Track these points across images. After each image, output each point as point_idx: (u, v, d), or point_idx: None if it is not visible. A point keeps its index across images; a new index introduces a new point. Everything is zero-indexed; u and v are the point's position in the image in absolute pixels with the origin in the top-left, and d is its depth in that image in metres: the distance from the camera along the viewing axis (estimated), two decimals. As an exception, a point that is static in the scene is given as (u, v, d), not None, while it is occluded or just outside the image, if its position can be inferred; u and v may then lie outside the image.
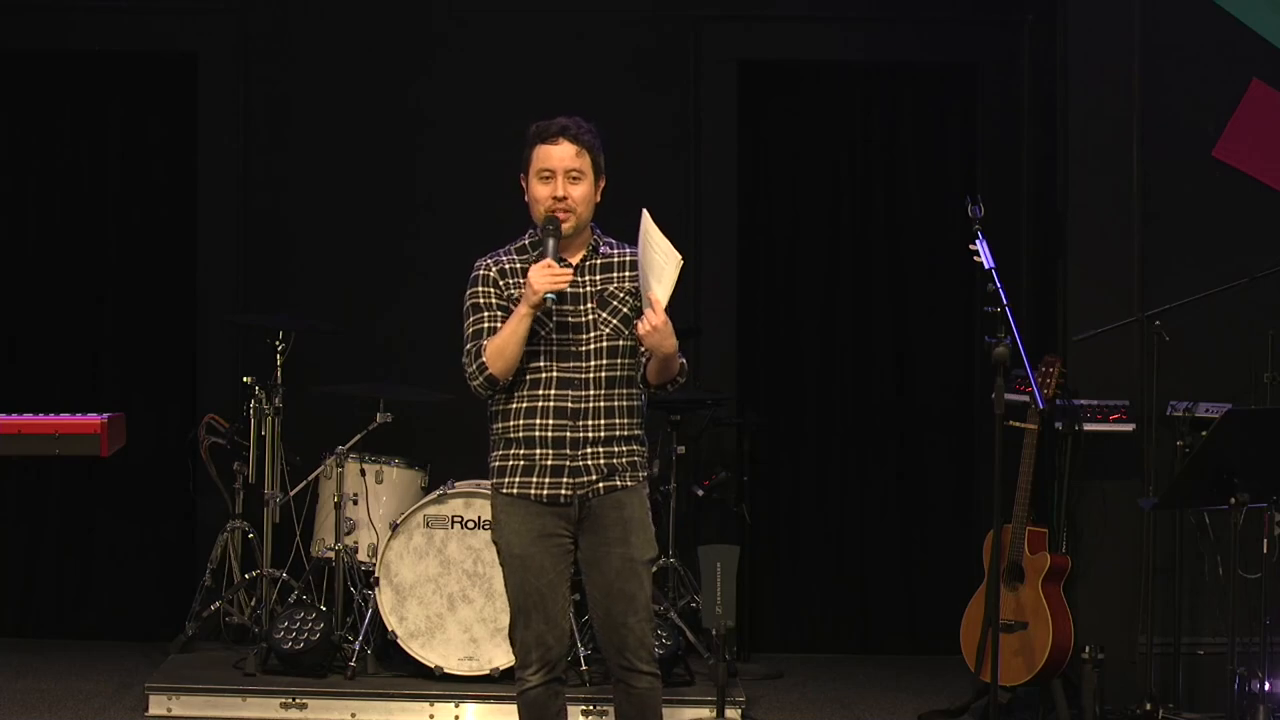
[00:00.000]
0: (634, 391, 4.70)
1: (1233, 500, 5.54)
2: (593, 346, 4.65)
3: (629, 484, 4.69)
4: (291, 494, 6.91)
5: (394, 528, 6.52)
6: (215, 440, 6.99)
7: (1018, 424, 6.12)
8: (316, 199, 7.59)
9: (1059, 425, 6.49)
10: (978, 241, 5.05)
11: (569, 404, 4.64)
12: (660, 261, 4.48)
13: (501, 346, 4.59)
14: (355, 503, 6.75)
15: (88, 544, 7.64)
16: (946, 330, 7.75)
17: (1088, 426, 6.46)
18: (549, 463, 4.65)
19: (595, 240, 4.75)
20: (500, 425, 4.73)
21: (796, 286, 7.80)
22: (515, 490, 4.68)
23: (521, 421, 4.67)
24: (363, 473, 6.77)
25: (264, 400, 6.86)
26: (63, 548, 7.65)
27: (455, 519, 6.51)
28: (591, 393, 4.65)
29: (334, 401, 6.93)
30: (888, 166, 7.85)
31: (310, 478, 6.90)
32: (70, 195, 7.71)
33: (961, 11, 7.62)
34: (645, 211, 4.53)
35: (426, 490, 6.77)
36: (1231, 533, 5.69)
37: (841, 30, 7.72)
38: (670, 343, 4.54)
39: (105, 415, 4.59)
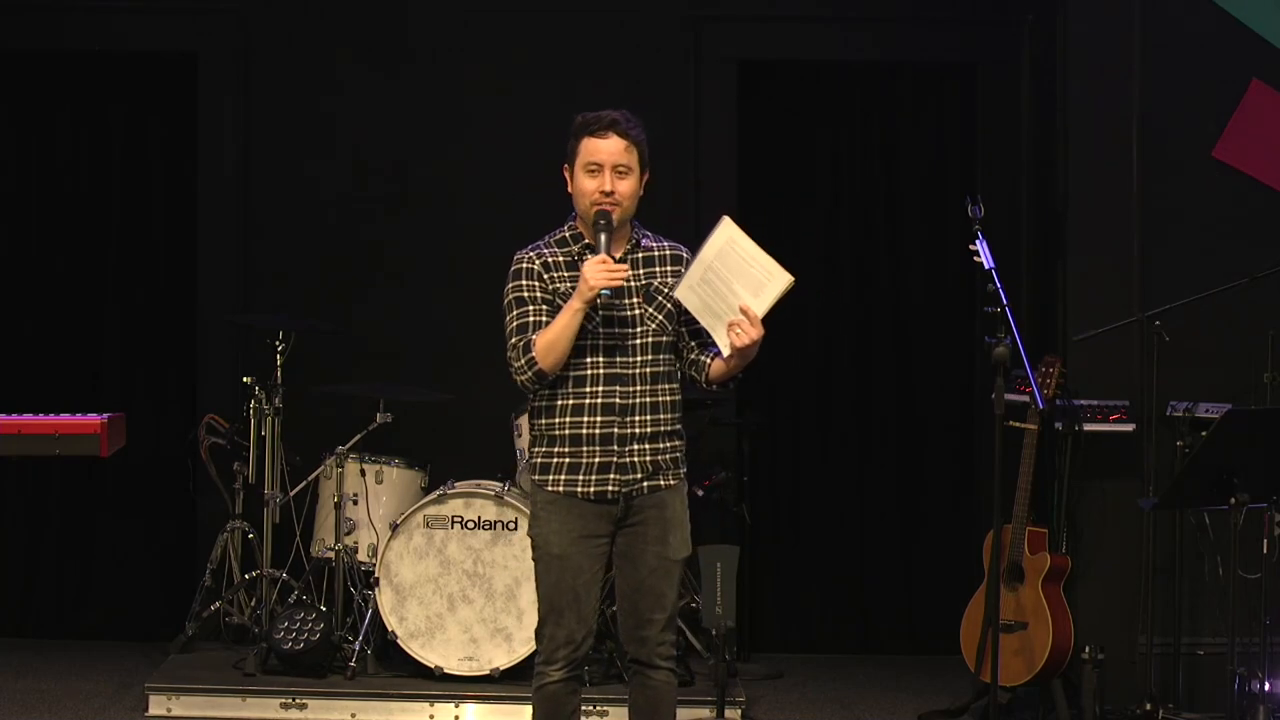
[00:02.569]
0: (675, 386, 4.71)
1: (1233, 500, 5.54)
2: (639, 342, 4.63)
3: (671, 482, 4.70)
4: (291, 494, 6.90)
5: (394, 528, 6.51)
6: (215, 440, 6.99)
7: (1018, 424, 6.12)
8: (316, 199, 7.59)
9: (1059, 425, 6.49)
10: (978, 241, 5.05)
11: (616, 400, 4.61)
12: (760, 278, 4.52)
13: (553, 341, 4.56)
14: (355, 503, 6.75)
15: (88, 544, 7.63)
16: (946, 330, 7.74)
17: (1088, 426, 6.46)
18: (595, 460, 4.62)
19: (637, 234, 4.73)
20: (544, 421, 4.68)
21: (796, 286, 7.77)
22: (561, 489, 4.65)
23: (568, 419, 4.63)
24: (363, 473, 6.77)
25: (264, 400, 6.86)
26: (63, 548, 7.65)
27: (455, 519, 6.51)
28: (638, 388, 4.63)
29: (334, 401, 6.93)
30: (888, 166, 7.85)
31: (310, 478, 6.90)
32: (71, 195, 7.71)
33: (961, 11, 7.62)
34: (727, 219, 4.55)
35: (426, 490, 6.76)
36: (1231, 533, 5.68)
37: (842, 30, 7.71)
38: (755, 351, 4.59)
39: (105, 415, 4.59)
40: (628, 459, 4.63)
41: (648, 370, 4.64)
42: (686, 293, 4.59)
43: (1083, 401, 6.48)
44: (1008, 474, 5.63)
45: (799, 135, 7.85)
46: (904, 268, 7.80)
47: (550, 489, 4.67)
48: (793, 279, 4.54)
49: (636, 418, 4.63)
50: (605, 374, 4.62)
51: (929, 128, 7.83)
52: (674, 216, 7.40)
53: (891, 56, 7.73)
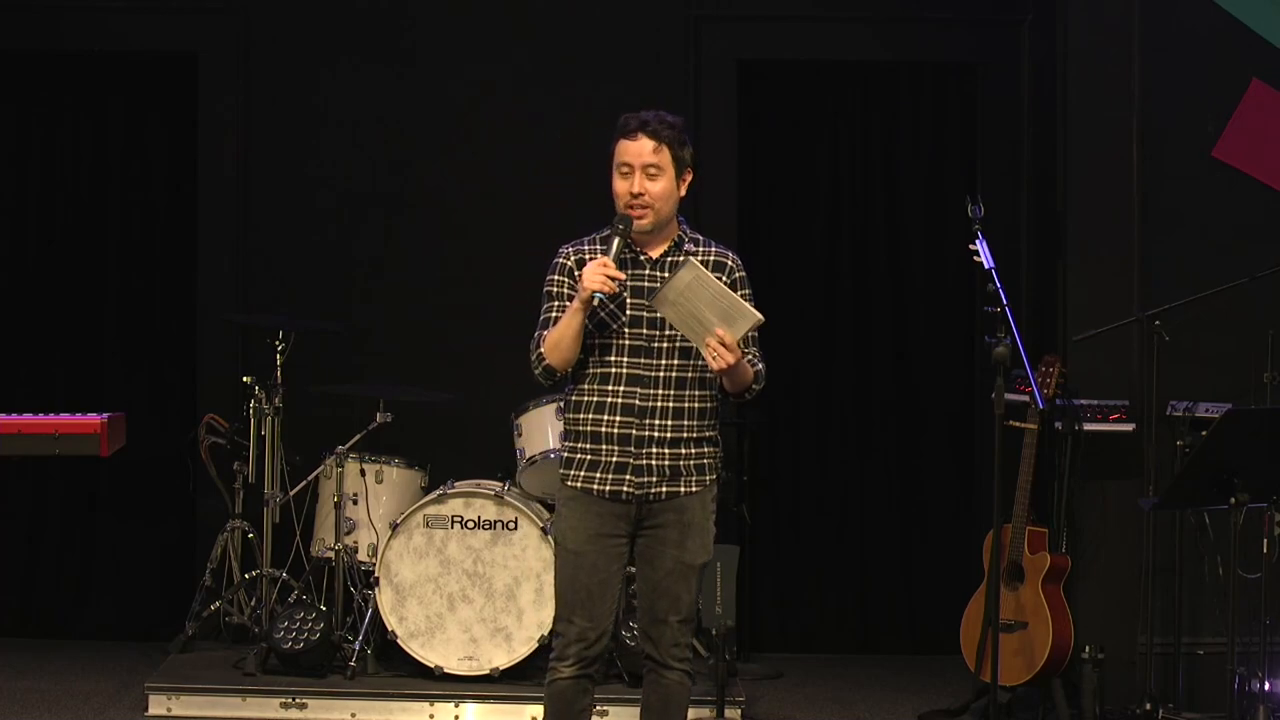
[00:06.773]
0: (706, 394, 4.69)
1: (1233, 500, 5.53)
2: (666, 345, 4.63)
3: (693, 489, 4.69)
4: (291, 494, 6.91)
5: (394, 528, 6.52)
6: (215, 440, 6.99)
7: (1018, 424, 6.12)
8: (316, 199, 7.59)
9: (1059, 425, 6.49)
10: (978, 241, 5.06)
11: (636, 401, 4.63)
12: (732, 314, 4.47)
13: (557, 339, 4.61)
14: (355, 502, 6.75)
15: (88, 544, 7.63)
16: (946, 330, 7.74)
17: (1088, 426, 6.46)
18: (614, 459, 4.64)
19: (681, 235, 4.73)
20: (571, 416, 4.72)
21: (797, 286, 7.80)
22: (579, 485, 4.68)
23: (590, 415, 4.66)
24: (363, 473, 6.77)
25: (264, 400, 6.86)
26: (63, 548, 7.64)
27: (455, 519, 6.51)
28: (660, 391, 4.64)
29: (334, 401, 6.93)
30: (888, 166, 7.85)
31: (310, 478, 6.90)
32: (71, 195, 7.71)
33: (961, 11, 7.61)
34: (694, 260, 4.52)
35: (426, 490, 6.77)
36: (1231, 533, 5.68)
37: (841, 30, 7.71)
38: (741, 371, 4.55)
39: (105, 415, 4.60)
40: (644, 461, 4.64)
41: (673, 375, 4.65)
42: (665, 308, 4.54)
43: (1083, 401, 6.48)
44: (1008, 474, 5.63)
45: (799, 135, 7.85)
46: (904, 268, 7.80)
47: (569, 484, 4.70)
48: (761, 318, 4.52)
49: (657, 421, 4.64)
50: (628, 374, 4.64)
51: (929, 128, 7.82)
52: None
53: (891, 56, 7.72)
